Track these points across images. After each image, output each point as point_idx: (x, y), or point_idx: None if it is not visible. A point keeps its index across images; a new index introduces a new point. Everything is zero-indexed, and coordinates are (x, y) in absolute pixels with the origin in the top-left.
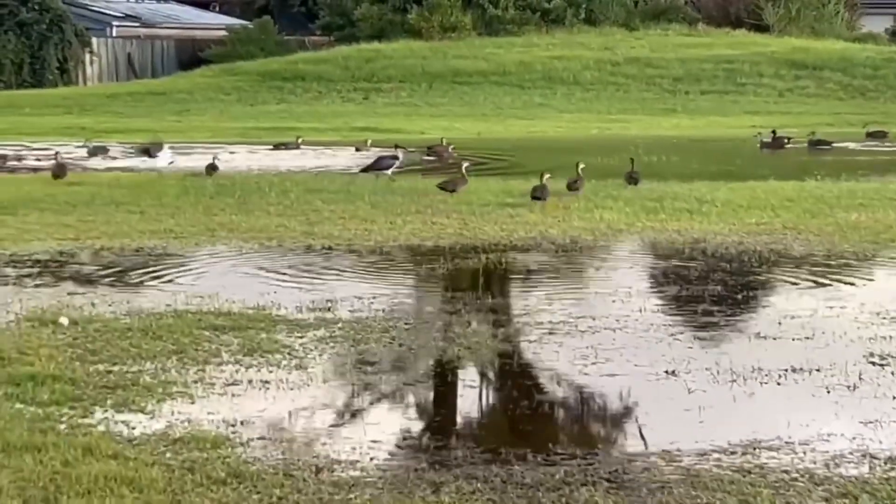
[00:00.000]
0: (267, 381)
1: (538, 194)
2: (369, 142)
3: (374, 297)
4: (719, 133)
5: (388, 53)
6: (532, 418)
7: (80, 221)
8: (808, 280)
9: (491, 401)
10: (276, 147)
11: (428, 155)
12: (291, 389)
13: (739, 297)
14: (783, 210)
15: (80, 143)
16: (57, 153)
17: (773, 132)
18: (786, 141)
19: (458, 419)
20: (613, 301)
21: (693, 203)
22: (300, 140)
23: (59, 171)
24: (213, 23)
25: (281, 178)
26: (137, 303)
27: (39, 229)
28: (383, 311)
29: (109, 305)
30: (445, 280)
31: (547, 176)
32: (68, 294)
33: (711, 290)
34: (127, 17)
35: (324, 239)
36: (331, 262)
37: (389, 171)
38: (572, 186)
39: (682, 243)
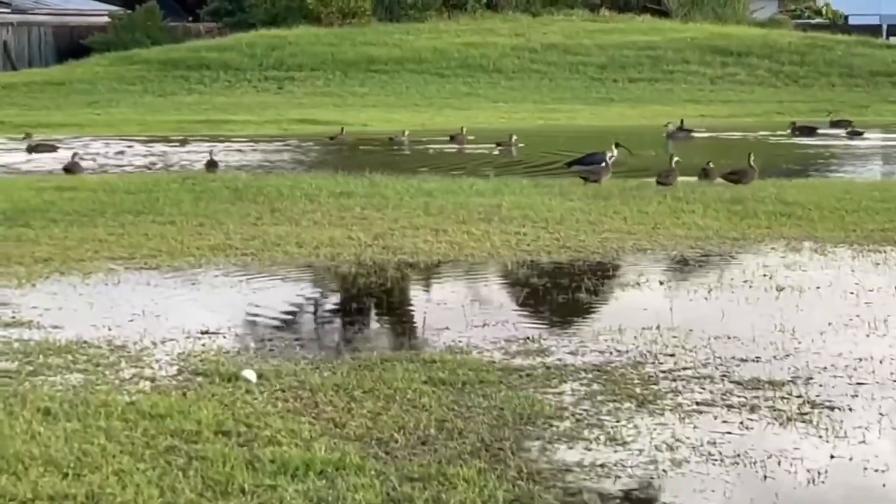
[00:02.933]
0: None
1: (664, 180)
2: (407, 132)
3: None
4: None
5: (292, 40)
6: None
7: (111, 235)
8: None
9: None
10: (333, 140)
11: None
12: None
13: None
14: (889, 213)
15: (21, 139)
16: (75, 152)
17: (682, 122)
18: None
19: None
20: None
21: (779, 205)
22: (344, 131)
23: (74, 167)
24: (88, 9)
25: (293, 180)
26: (304, 347)
27: (76, 245)
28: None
29: (270, 350)
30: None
31: (676, 160)
32: (202, 333)
33: None
34: None
35: (416, 254)
36: (474, 281)
37: (592, 167)
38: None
39: (834, 255)
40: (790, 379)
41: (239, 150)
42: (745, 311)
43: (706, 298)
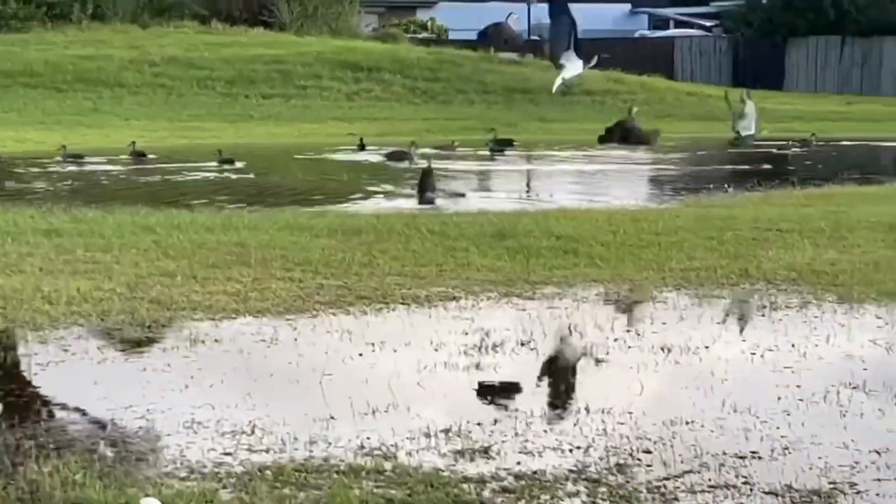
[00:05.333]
0: None
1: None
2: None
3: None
4: (334, 142)
5: None
6: None
7: None
8: None
9: None
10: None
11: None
12: None
13: None
14: (680, 248)
15: None
16: None
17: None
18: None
19: None
20: None
21: (553, 240)
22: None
23: None
24: None
25: None
26: (180, 451)
27: None
28: None
29: (137, 460)
30: None
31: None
32: (29, 437)
33: None
34: None
35: (197, 309)
36: (306, 347)
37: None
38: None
39: (674, 303)
40: (830, 485)
41: None
42: (662, 383)
43: (597, 366)
